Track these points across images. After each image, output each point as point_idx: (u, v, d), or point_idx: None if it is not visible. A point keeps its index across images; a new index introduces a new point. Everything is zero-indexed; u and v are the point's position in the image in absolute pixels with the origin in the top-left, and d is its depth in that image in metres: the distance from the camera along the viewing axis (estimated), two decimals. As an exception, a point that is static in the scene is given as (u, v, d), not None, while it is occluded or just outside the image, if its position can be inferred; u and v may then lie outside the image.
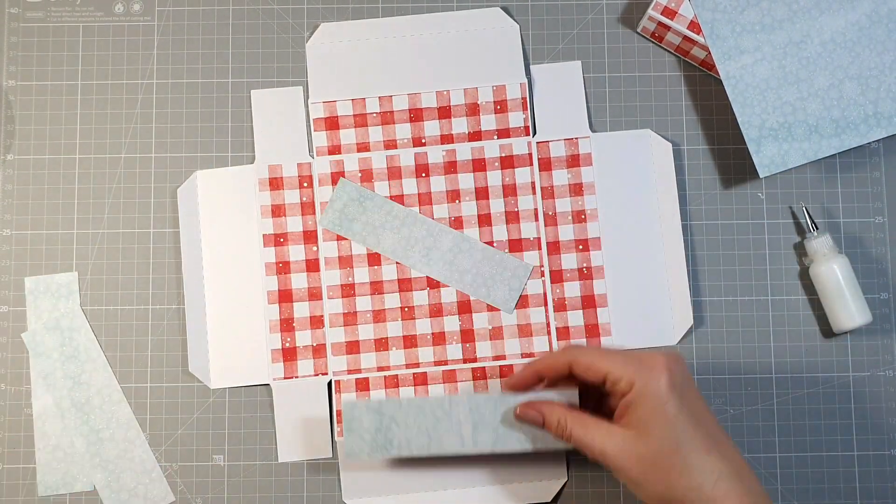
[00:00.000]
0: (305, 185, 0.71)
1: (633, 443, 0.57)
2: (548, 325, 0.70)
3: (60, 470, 0.69)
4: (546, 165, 0.71)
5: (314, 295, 0.70)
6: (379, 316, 0.70)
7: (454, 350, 0.70)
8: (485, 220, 0.71)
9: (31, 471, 0.69)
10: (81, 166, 0.72)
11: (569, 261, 0.71)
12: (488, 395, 0.63)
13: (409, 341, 0.70)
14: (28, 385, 0.70)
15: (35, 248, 0.71)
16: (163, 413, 0.70)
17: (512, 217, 0.71)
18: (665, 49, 0.73)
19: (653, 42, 0.73)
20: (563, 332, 0.70)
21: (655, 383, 0.57)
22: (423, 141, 0.72)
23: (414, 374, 0.70)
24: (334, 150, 0.72)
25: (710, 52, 0.69)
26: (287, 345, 0.70)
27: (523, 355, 0.70)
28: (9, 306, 0.71)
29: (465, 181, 0.71)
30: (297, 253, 0.71)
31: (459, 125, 0.72)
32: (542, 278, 0.70)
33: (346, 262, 0.71)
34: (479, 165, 0.71)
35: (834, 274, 0.68)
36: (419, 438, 0.62)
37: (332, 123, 0.72)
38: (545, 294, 0.70)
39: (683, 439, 0.56)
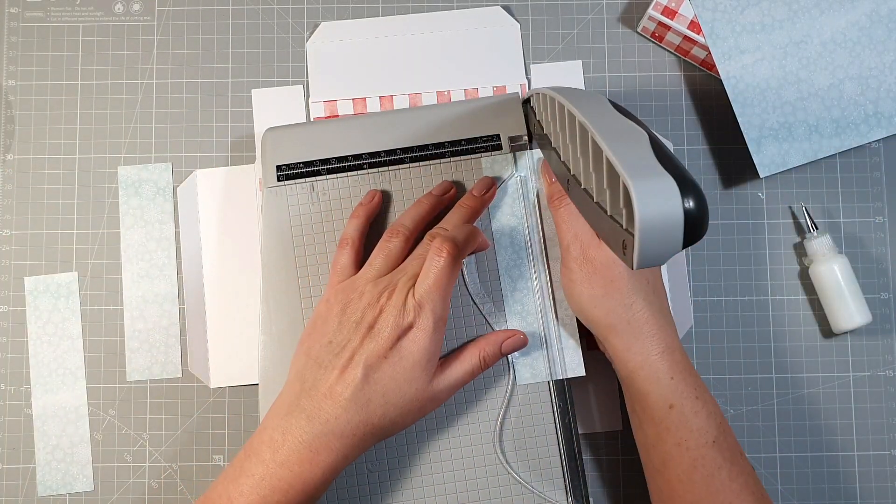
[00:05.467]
0: (305, 184, 0.71)
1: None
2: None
3: (60, 470, 0.69)
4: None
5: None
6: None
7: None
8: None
9: (31, 471, 0.69)
10: (81, 166, 0.72)
11: (569, 261, 0.70)
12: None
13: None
14: (28, 385, 0.70)
15: (35, 248, 0.71)
16: (163, 413, 0.70)
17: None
18: (665, 49, 0.73)
19: (653, 42, 0.73)
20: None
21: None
22: (424, 141, 0.71)
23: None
24: (334, 149, 0.71)
25: (710, 52, 0.69)
26: (287, 344, 0.70)
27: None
28: (9, 306, 0.71)
29: (466, 181, 0.71)
30: (297, 253, 0.71)
31: (460, 125, 0.71)
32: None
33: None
34: (479, 165, 0.71)
35: (834, 274, 0.68)
36: None
37: (332, 123, 0.72)
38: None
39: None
